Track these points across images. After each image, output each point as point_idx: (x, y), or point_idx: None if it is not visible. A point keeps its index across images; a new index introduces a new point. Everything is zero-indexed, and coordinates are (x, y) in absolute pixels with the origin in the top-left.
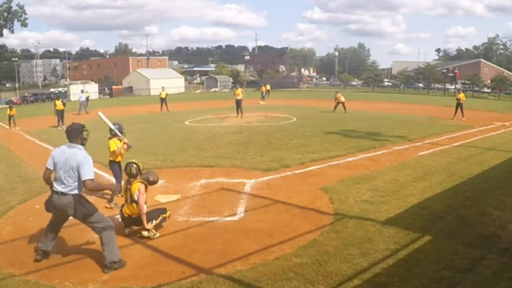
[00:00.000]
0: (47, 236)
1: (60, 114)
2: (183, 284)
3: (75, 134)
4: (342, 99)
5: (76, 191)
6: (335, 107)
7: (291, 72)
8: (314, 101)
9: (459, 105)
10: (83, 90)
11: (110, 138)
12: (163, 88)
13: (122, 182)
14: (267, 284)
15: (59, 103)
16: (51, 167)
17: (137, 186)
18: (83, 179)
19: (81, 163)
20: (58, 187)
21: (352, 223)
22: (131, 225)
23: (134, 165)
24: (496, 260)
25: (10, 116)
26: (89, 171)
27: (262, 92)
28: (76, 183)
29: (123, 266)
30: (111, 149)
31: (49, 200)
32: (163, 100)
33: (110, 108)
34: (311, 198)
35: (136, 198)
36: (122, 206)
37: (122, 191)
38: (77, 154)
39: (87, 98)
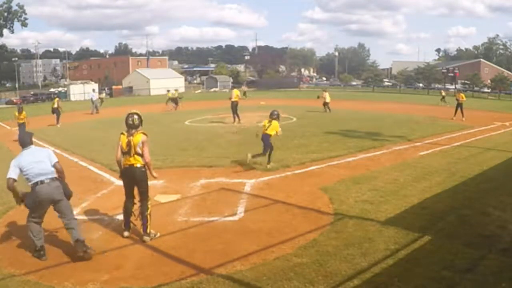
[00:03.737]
0: (39, 231)
1: (58, 113)
2: (183, 284)
3: (29, 139)
4: (328, 99)
5: (55, 175)
6: (325, 106)
7: (291, 72)
8: (314, 101)
9: (459, 105)
10: (94, 89)
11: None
12: (169, 90)
13: (122, 137)
14: (267, 284)
15: (57, 102)
16: (15, 176)
17: (140, 138)
18: (54, 162)
19: (50, 153)
20: (43, 177)
21: (352, 223)
22: (133, 181)
23: (136, 115)
24: (496, 260)
25: (22, 123)
26: (55, 157)
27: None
28: (53, 168)
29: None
30: None
31: (32, 195)
32: (173, 100)
33: (110, 108)
34: (311, 198)
35: (139, 150)
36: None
37: (122, 146)
38: (41, 149)
39: (100, 99)
